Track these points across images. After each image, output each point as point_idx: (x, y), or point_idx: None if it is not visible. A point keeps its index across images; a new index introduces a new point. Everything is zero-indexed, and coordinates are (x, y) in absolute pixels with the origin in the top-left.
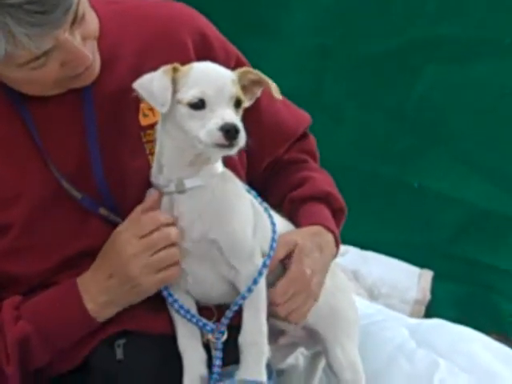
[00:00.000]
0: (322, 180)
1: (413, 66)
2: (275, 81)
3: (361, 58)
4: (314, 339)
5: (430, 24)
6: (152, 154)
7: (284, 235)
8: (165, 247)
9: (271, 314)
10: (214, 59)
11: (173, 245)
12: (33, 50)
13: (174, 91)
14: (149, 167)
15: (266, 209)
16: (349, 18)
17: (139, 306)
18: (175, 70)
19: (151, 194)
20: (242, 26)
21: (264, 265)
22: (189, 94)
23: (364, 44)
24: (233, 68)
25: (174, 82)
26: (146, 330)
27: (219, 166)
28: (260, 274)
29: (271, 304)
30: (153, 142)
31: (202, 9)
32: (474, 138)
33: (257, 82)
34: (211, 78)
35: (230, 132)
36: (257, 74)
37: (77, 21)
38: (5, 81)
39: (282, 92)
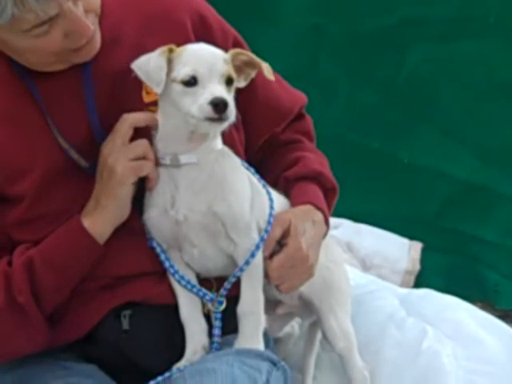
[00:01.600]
0: (315, 160)
1: (402, 44)
2: (271, 60)
3: (353, 36)
4: (309, 309)
5: (419, 4)
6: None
7: (278, 214)
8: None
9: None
10: (212, 39)
11: (144, 139)
12: (38, 13)
13: (169, 71)
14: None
15: (264, 185)
16: None
17: (144, 277)
18: (171, 50)
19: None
20: (237, 8)
21: (261, 239)
22: (182, 72)
23: (356, 23)
24: (231, 48)
25: (169, 62)
26: (151, 301)
27: (218, 143)
28: (257, 247)
29: (266, 275)
30: None
31: None
32: (461, 113)
33: (250, 64)
34: (203, 56)
35: (218, 106)
36: (248, 54)
37: None
38: (8, 52)
39: (279, 70)
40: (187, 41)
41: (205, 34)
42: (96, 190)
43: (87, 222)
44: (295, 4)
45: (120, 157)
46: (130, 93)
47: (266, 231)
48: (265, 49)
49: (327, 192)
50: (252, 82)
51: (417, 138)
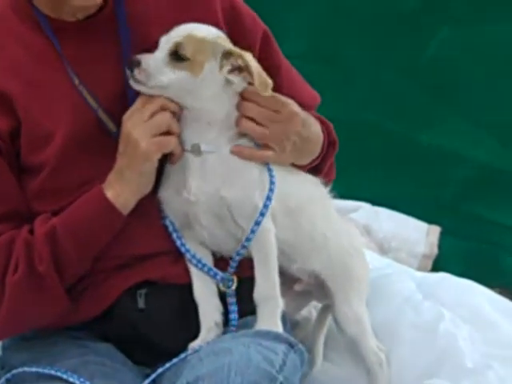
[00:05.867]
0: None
1: (426, 26)
2: (293, 40)
3: (377, 17)
4: (324, 291)
5: None
6: None
7: None
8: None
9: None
10: (242, 26)
11: (167, 112)
12: None
13: None
14: None
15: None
16: None
17: (161, 257)
18: None
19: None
20: None
21: (265, 205)
22: None
23: (380, 4)
24: (259, 40)
25: None
26: (168, 280)
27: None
28: (261, 214)
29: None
30: None
31: None
32: (484, 97)
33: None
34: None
35: (130, 65)
36: (246, 62)
37: None
38: None
39: (301, 50)
40: (216, 25)
41: (235, 21)
42: (119, 162)
43: (110, 193)
44: None
45: (144, 132)
46: None
47: (269, 198)
48: (287, 28)
49: (329, 143)
50: (277, 77)
51: (438, 122)
